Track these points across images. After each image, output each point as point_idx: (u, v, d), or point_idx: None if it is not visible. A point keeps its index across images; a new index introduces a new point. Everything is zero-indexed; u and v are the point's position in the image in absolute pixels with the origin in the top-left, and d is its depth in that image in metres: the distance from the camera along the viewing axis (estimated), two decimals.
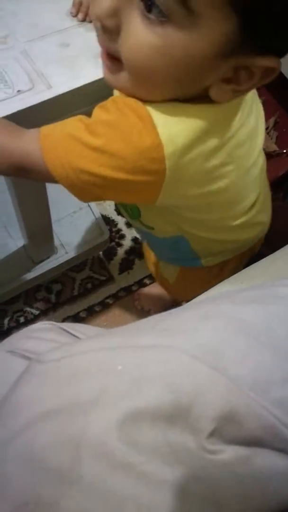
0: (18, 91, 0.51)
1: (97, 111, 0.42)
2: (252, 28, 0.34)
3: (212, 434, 0.24)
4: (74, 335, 0.42)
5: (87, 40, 0.55)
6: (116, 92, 0.46)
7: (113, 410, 0.25)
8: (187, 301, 0.49)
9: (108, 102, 0.42)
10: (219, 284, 0.59)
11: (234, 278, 0.60)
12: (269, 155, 1.07)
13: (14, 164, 0.43)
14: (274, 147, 1.21)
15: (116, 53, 0.38)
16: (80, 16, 0.57)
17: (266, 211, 0.65)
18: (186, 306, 0.35)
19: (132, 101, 0.40)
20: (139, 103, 0.40)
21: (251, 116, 0.47)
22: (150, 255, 0.78)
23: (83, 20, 0.57)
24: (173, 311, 0.34)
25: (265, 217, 0.65)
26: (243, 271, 0.62)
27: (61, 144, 0.41)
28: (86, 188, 0.42)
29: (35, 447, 0.25)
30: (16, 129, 0.44)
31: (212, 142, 0.42)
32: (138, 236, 1.09)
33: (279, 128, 1.25)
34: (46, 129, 0.43)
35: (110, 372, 0.26)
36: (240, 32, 0.34)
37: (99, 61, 0.54)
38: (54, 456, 0.25)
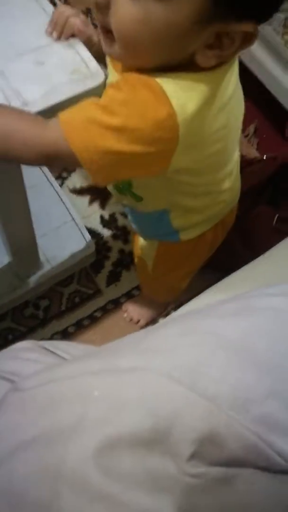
0: None
1: (111, 91, 0.45)
2: None
3: (192, 457, 0.24)
4: (56, 354, 0.41)
5: (62, 58, 0.56)
6: (111, 75, 0.51)
7: (90, 438, 0.24)
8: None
9: (120, 81, 0.45)
10: (204, 292, 0.59)
11: (218, 286, 0.61)
12: (250, 162, 1.09)
13: (42, 153, 0.45)
14: (255, 153, 1.22)
15: (109, 26, 0.43)
16: (55, 34, 0.57)
17: (238, 177, 0.68)
18: (168, 321, 0.35)
19: (142, 76, 0.43)
20: (149, 77, 0.43)
21: (239, 85, 0.52)
22: (137, 240, 0.80)
23: (58, 38, 0.57)
24: (157, 326, 0.34)
25: (238, 183, 0.68)
26: (227, 278, 0.63)
27: (82, 129, 0.44)
28: (109, 169, 0.45)
29: (14, 479, 0.25)
30: (40, 120, 0.46)
31: (215, 106, 0.46)
32: (124, 248, 1.09)
33: (259, 134, 1.26)
34: (64, 116, 0.45)
35: (87, 398, 0.26)
36: (213, 1, 0.38)
37: (74, 77, 0.54)
38: (33, 488, 0.24)
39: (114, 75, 0.53)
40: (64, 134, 0.43)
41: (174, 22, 0.39)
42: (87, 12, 1.45)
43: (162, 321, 0.54)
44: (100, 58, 0.57)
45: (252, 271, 0.58)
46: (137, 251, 0.84)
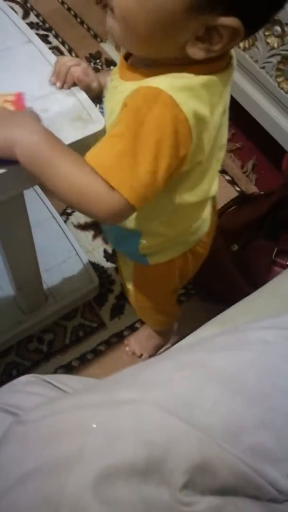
0: None
1: (129, 123, 0.47)
2: None
3: (185, 486, 0.25)
4: (58, 387, 0.43)
5: (65, 105, 0.59)
6: (116, 82, 0.55)
7: (88, 469, 0.25)
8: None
9: (131, 112, 0.47)
10: (203, 326, 0.61)
11: (218, 319, 0.62)
12: (249, 197, 1.12)
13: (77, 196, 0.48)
14: (254, 189, 1.26)
15: (112, 8, 0.47)
16: (58, 84, 0.61)
17: (213, 212, 0.71)
18: (164, 355, 0.36)
19: (151, 92, 0.47)
20: (158, 90, 0.46)
21: (227, 111, 0.56)
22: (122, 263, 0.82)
23: (61, 87, 0.61)
24: (153, 359, 0.35)
25: (209, 216, 0.70)
26: (226, 311, 0.64)
27: (118, 168, 0.47)
28: (149, 194, 0.48)
29: (17, 509, 0.26)
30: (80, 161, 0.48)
31: (216, 114, 0.51)
32: None
33: (258, 170, 1.30)
34: (96, 160, 0.47)
35: (85, 430, 0.27)
36: None
37: (77, 123, 0.58)
38: None
39: (119, 82, 0.55)
40: (104, 176, 0.47)
41: (168, 6, 0.43)
42: (90, 58, 1.53)
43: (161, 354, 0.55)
44: (100, 98, 0.62)
45: (251, 304, 0.59)
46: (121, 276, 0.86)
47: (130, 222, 0.63)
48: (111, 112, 0.56)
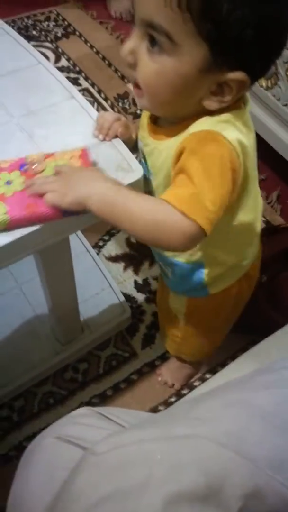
0: None
1: (193, 162, 0.53)
2: (217, 50, 0.48)
3: (240, 510, 0.28)
4: (111, 419, 0.46)
5: (107, 156, 0.65)
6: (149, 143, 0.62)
7: (157, 495, 0.29)
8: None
9: (191, 149, 0.53)
10: (238, 359, 0.64)
11: (252, 352, 0.65)
12: (275, 228, 1.15)
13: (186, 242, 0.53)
14: (279, 219, 1.29)
15: (137, 81, 0.54)
16: (101, 136, 0.67)
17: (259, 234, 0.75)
18: (211, 393, 0.40)
19: (201, 133, 0.54)
20: (205, 130, 0.53)
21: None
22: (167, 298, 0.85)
23: (103, 140, 0.67)
24: (200, 397, 0.39)
25: (258, 238, 0.75)
26: (259, 344, 0.67)
27: (191, 200, 0.52)
28: (216, 219, 0.53)
29: None
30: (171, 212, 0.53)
31: (252, 140, 0.58)
32: (157, 311, 1.14)
33: (282, 201, 1.34)
34: (170, 197, 0.52)
35: (151, 461, 0.31)
36: (211, 54, 0.49)
37: (118, 173, 0.63)
38: None
39: (156, 143, 0.62)
40: (185, 213, 0.51)
41: (183, 71, 0.50)
42: (118, 98, 1.62)
43: (201, 385, 0.58)
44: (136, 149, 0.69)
45: (283, 338, 0.62)
46: (163, 308, 0.89)
47: (194, 254, 0.68)
48: (160, 169, 0.62)
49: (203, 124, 0.55)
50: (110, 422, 0.44)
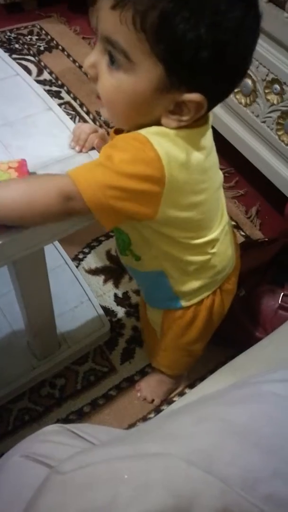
0: None
1: (107, 148, 0.55)
2: (173, 71, 0.49)
3: None
4: (82, 437, 0.45)
5: None
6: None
7: None
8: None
9: (113, 140, 0.56)
10: (214, 374, 0.63)
11: (229, 366, 0.64)
12: (254, 243, 1.16)
13: (59, 198, 0.53)
14: (259, 235, 1.30)
15: (98, 93, 0.55)
16: (77, 148, 0.66)
17: (232, 246, 0.76)
18: (183, 408, 0.39)
19: (133, 134, 0.54)
20: (138, 133, 0.54)
21: (214, 151, 0.63)
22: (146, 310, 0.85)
23: (80, 151, 0.66)
24: (173, 412, 0.38)
25: (229, 251, 0.74)
26: (237, 359, 0.67)
27: (87, 171, 0.54)
28: (110, 206, 0.53)
29: None
30: (54, 176, 0.57)
31: (194, 158, 0.56)
32: (137, 325, 1.13)
33: (262, 216, 1.35)
34: (73, 172, 0.54)
35: (118, 480, 0.30)
36: (166, 74, 0.49)
37: None
38: None
39: None
40: (73, 180, 0.52)
41: (139, 89, 0.51)
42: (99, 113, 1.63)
43: (178, 400, 0.57)
44: None
45: (261, 353, 0.62)
46: (145, 321, 0.89)
47: (151, 261, 0.69)
48: None
49: (140, 130, 0.55)
50: (81, 440, 0.42)
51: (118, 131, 0.63)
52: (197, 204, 0.61)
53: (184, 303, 0.74)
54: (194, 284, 0.72)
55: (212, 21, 0.45)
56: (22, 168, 0.60)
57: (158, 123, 0.55)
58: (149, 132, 0.54)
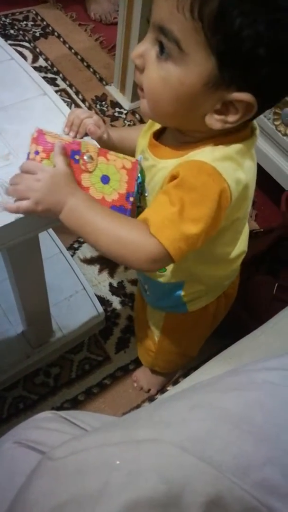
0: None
1: (180, 193, 0.52)
2: (226, 66, 0.46)
3: None
4: (75, 424, 0.45)
5: None
6: (151, 160, 0.60)
7: (114, 502, 0.28)
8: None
9: (184, 176, 0.52)
10: (209, 362, 0.63)
11: (224, 355, 0.65)
12: (249, 234, 1.16)
13: (148, 260, 0.54)
14: (254, 225, 1.30)
15: (142, 84, 0.53)
16: (71, 133, 0.65)
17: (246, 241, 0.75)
18: (177, 394, 0.38)
19: (196, 164, 0.52)
20: (204, 163, 0.51)
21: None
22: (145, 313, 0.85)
23: (75, 136, 0.65)
24: (167, 398, 0.37)
25: (245, 246, 0.74)
26: (231, 347, 0.67)
27: (176, 237, 0.52)
28: (190, 248, 0.53)
29: None
30: (141, 230, 0.53)
31: (253, 173, 0.56)
32: (132, 314, 1.13)
33: (258, 207, 1.35)
34: (156, 228, 0.52)
35: (110, 467, 0.29)
36: (218, 69, 0.46)
37: None
38: None
39: (155, 161, 0.60)
40: (163, 244, 0.52)
41: (188, 83, 0.48)
42: (96, 100, 1.61)
43: (171, 389, 0.57)
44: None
45: (255, 341, 0.62)
46: (140, 321, 0.88)
47: (177, 273, 0.67)
48: (153, 188, 0.61)
49: (205, 155, 0.53)
50: (74, 427, 0.42)
51: (156, 135, 0.62)
52: (238, 218, 0.60)
53: (190, 308, 0.74)
54: (203, 291, 0.72)
55: (272, 18, 0.43)
56: (133, 172, 0.59)
57: (201, 123, 0.52)
58: (215, 159, 0.51)
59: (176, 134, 0.59)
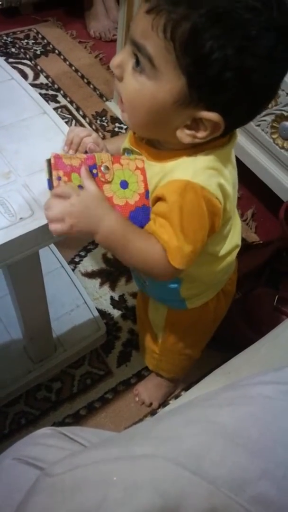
0: (21, 218, 0.59)
1: (177, 221, 0.56)
2: (195, 86, 0.48)
3: None
4: (74, 440, 0.45)
5: None
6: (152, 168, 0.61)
7: None
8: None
9: (174, 203, 0.55)
10: (209, 376, 0.63)
11: (223, 369, 0.65)
12: (249, 245, 1.17)
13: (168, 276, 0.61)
14: (254, 237, 1.30)
15: (121, 95, 0.55)
16: (70, 152, 0.67)
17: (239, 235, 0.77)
18: (174, 410, 0.39)
19: (180, 184, 0.55)
20: (185, 181, 0.54)
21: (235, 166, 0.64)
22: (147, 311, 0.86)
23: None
24: (164, 414, 0.38)
25: (239, 239, 0.75)
26: (230, 361, 0.67)
27: (184, 259, 0.58)
28: (192, 259, 0.58)
29: None
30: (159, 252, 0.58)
31: (234, 178, 0.60)
32: (133, 328, 1.14)
33: (257, 219, 1.36)
34: (171, 255, 0.57)
35: (107, 483, 0.30)
36: (188, 88, 0.49)
37: None
38: None
39: (153, 165, 0.62)
40: (176, 266, 0.58)
41: (159, 97, 0.51)
42: (96, 116, 1.63)
43: (173, 402, 0.57)
44: None
45: (254, 355, 0.62)
46: (143, 323, 0.89)
47: None
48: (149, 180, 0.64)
49: (185, 171, 0.55)
50: (73, 442, 0.42)
51: (137, 140, 0.64)
52: (229, 218, 0.63)
53: (189, 305, 0.75)
54: (201, 288, 0.73)
55: (241, 44, 0.45)
56: (144, 170, 0.62)
57: (173, 135, 0.55)
58: (196, 174, 0.54)
59: (154, 141, 0.61)
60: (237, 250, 0.73)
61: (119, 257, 0.60)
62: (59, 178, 0.58)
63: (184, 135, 0.54)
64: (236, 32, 0.45)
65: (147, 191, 0.62)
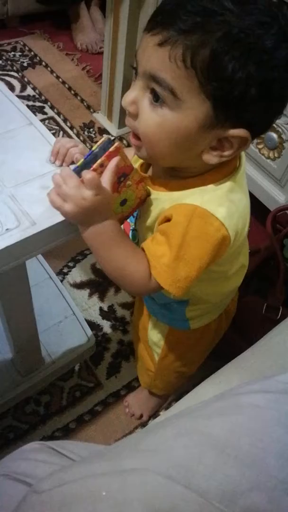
0: (7, 229, 0.59)
1: (176, 242, 0.55)
2: (220, 108, 0.48)
3: None
4: (63, 454, 0.44)
5: None
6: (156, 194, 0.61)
7: None
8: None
9: (175, 226, 0.55)
10: (199, 385, 0.63)
11: (213, 378, 0.64)
12: None
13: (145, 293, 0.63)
14: None
15: (137, 131, 0.54)
16: (57, 162, 0.66)
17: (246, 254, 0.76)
18: (164, 422, 0.38)
19: (188, 207, 0.54)
20: (194, 205, 0.53)
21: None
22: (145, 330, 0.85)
23: (60, 165, 0.66)
24: (154, 427, 0.37)
25: (242, 272, 0.75)
26: (220, 370, 0.67)
27: (169, 274, 0.56)
28: (188, 285, 0.56)
29: None
30: (144, 266, 0.58)
31: (247, 205, 0.59)
32: (123, 338, 1.13)
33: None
34: (158, 274, 0.57)
35: (96, 498, 0.29)
36: (213, 111, 0.49)
37: None
38: None
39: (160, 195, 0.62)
40: (158, 280, 0.57)
41: (185, 126, 0.50)
42: (84, 127, 1.64)
43: (163, 413, 0.57)
44: None
45: (244, 363, 0.62)
46: (141, 342, 0.88)
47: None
48: (144, 215, 0.64)
49: (195, 198, 0.54)
50: (62, 457, 0.41)
51: (143, 166, 0.64)
52: (239, 245, 0.62)
53: (192, 325, 0.75)
54: (207, 309, 0.73)
55: (260, 59, 0.46)
56: (142, 202, 0.63)
57: (198, 160, 0.54)
58: (203, 201, 0.53)
59: (167, 169, 0.60)
60: (244, 270, 0.73)
61: (98, 256, 0.59)
62: (101, 165, 0.56)
63: (211, 156, 0.53)
64: (254, 48, 0.45)
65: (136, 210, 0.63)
